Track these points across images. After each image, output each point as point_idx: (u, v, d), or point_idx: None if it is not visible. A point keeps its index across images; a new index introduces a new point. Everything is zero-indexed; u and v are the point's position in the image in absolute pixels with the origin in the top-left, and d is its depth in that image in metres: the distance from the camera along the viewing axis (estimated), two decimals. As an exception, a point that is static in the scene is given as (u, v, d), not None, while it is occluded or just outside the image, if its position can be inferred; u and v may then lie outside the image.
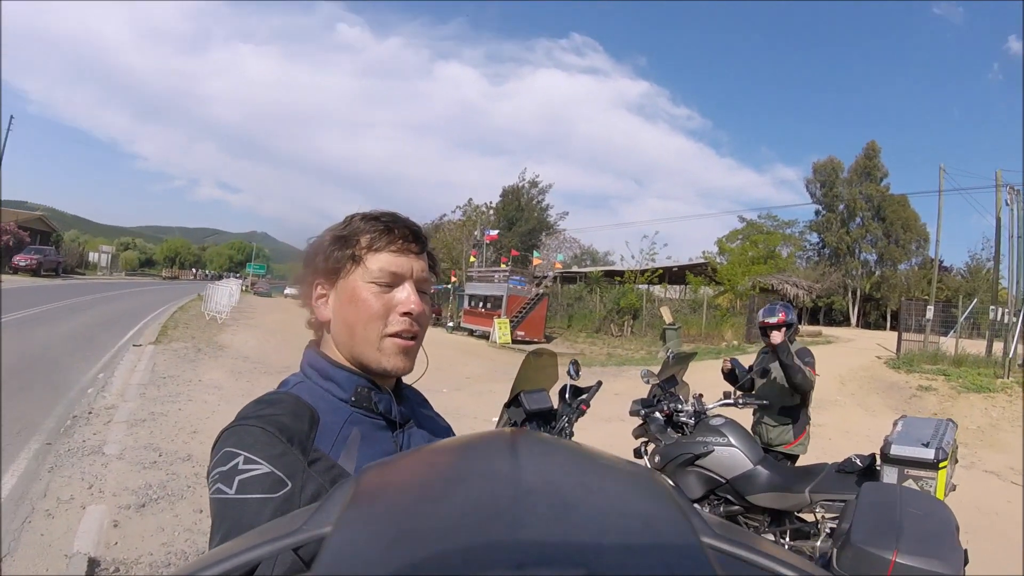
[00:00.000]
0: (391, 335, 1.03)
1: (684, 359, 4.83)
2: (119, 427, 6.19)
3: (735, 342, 22.11)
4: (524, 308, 27.00)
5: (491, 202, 49.68)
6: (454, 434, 1.22)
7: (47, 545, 3.78)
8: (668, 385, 4.37)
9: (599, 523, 0.43)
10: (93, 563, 3.53)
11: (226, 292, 20.05)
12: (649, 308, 26.87)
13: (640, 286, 28.45)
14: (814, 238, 48.51)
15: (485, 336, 26.42)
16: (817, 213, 47.94)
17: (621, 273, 30.30)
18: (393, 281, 1.04)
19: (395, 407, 1.07)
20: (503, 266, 32.53)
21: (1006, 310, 15.56)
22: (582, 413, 3.01)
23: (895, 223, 44.42)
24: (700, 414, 4.16)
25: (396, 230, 1.06)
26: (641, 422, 4.31)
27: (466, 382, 12.63)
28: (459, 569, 0.37)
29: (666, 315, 23.73)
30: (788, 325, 4.40)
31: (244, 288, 27.36)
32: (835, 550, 1.84)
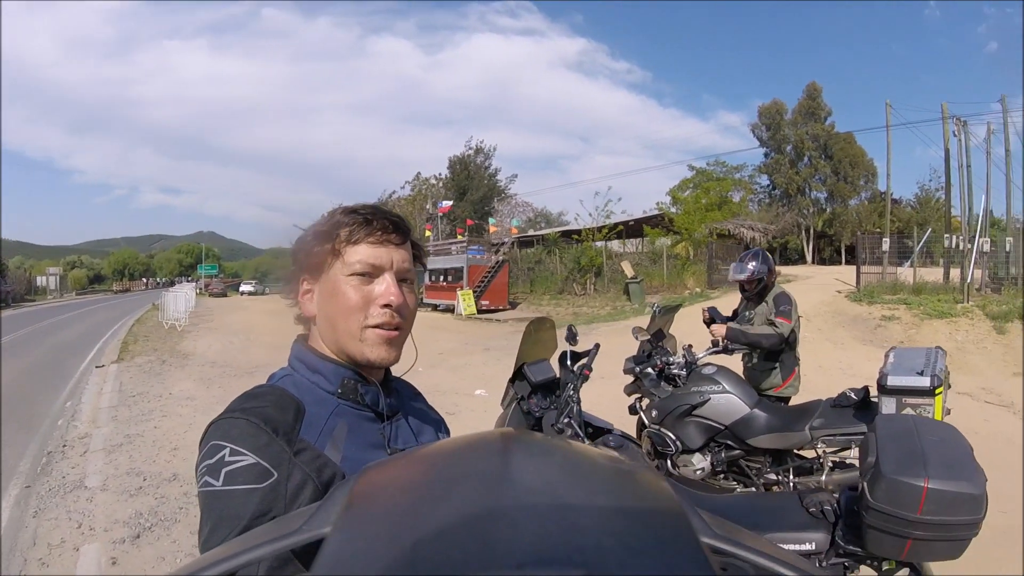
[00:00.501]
0: (372, 326, 1.04)
1: (670, 311, 4.86)
2: (97, 456, 5.95)
3: (697, 289, 22.45)
4: (485, 277, 26.93)
5: (440, 174, 49.30)
6: (445, 426, 1.27)
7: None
8: (657, 339, 4.40)
9: (599, 523, 0.43)
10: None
11: (182, 298, 19.58)
12: (610, 264, 27.00)
13: (597, 243, 28.50)
14: (764, 180, 49.30)
15: (450, 309, 26.43)
16: (766, 155, 48.66)
17: (578, 232, 30.27)
18: (373, 272, 1.04)
19: (382, 399, 1.08)
20: (459, 237, 32.37)
21: (960, 237, 16.05)
22: (586, 378, 3.00)
23: (843, 160, 45.35)
24: (691, 365, 4.20)
25: (375, 222, 1.05)
26: (632, 379, 4.35)
27: (440, 358, 12.54)
28: (458, 569, 0.37)
29: (627, 269, 24.08)
30: (759, 281, 4.45)
31: (198, 291, 26.86)
32: (865, 484, 1.88)
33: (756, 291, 4.48)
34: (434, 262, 31.03)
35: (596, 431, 2.63)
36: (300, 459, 0.90)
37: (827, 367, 8.50)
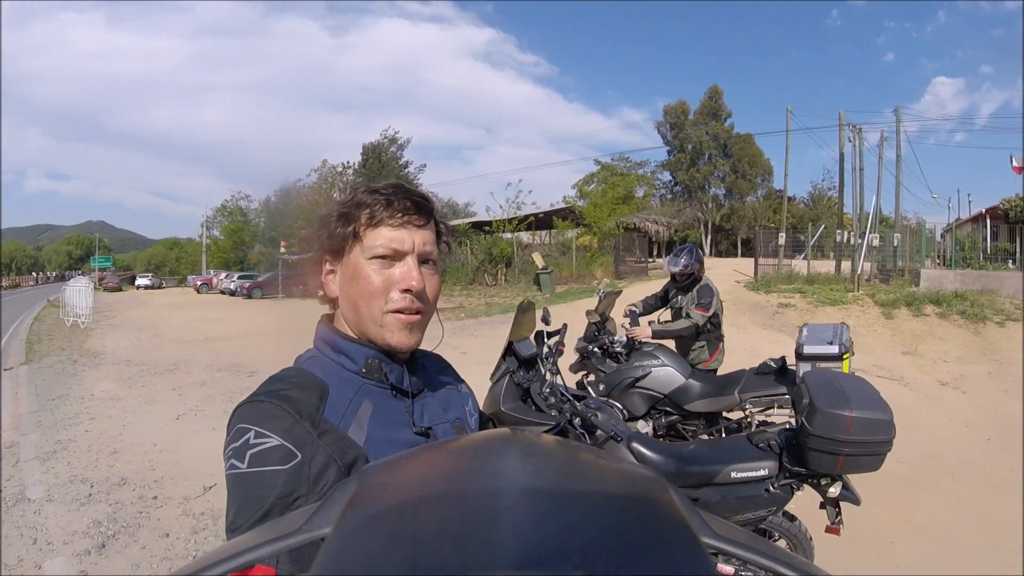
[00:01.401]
0: (392, 311, 1.03)
1: (613, 296, 5.42)
2: (31, 466, 5.67)
3: (605, 280, 23.28)
4: (395, 267, 26.56)
5: (350, 162, 48.40)
6: (474, 400, 1.27)
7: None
8: (603, 321, 4.91)
9: (598, 523, 0.43)
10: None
11: (84, 293, 18.51)
12: (520, 255, 27.35)
13: (507, 235, 28.80)
14: (666, 176, 51.30)
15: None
16: (669, 153, 50.67)
17: (489, 223, 30.52)
18: (394, 256, 1.03)
19: (407, 377, 1.07)
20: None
21: (851, 233, 17.43)
22: (560, 353, 3.43)
23: (742, 159, 48.06)
24: (632, 343, 4.71)
25: (396, 202, 1.03)
26: (578, 357, 4.84)
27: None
28: (458, 569, 0.37)
29: (538, 260, 24.45)
30: (689, 275, 5.01)
31: (94, 285, 25.42)
32: (804, 418, 2.44)
33: (686, 282, 5.05)
34: (343, 252, 30.71)
35: (575, 396, 2.94)
36: (324, 441, 0.91)
37: (732, 349, 9.06)
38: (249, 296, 33.95)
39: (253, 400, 0.94)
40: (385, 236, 1.02)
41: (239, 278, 37.95)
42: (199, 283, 42.63)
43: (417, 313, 1.05)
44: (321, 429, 0.93)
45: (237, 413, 0.93)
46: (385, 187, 1.05)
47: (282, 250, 39.10)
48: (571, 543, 0.39)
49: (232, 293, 35.76)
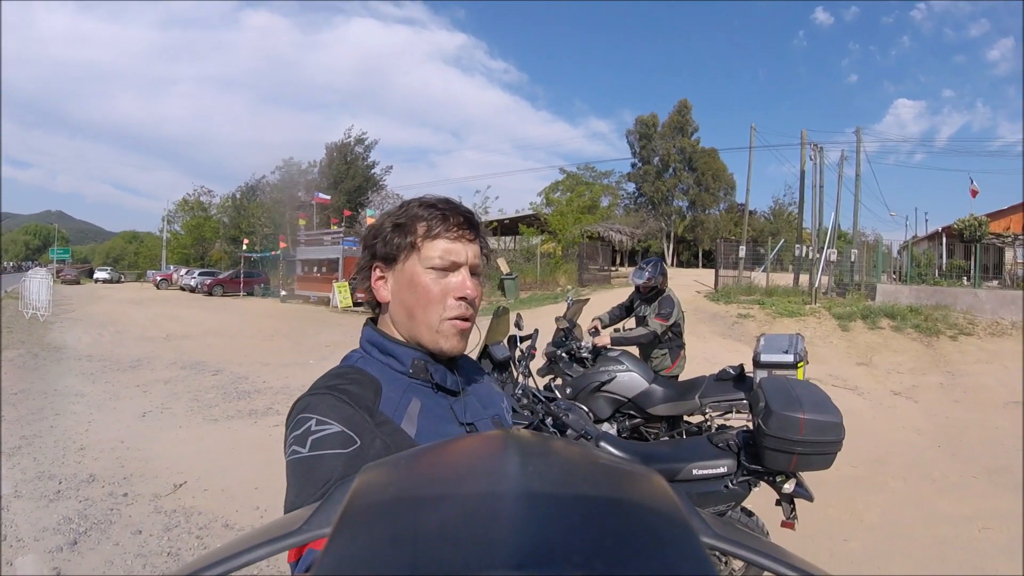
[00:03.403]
0: (450, 319, 1.10)
1: (580, 304, 5.62)
2: None
3: (568, 287, 23.53)
4: (361, 270, 26.48)
5: (315, 160, 48.00)
6: (507, 400, 1.34)
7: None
8: (571, 327, 5.12)
9: (598, 523, 0.43)
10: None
11: (44, 286, 18.06)
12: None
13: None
14: (631, 187, 52.04)
15: (324, 301, 26.03)
16: (633, 166, 51.51)
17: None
18: (449, 267, 1.09)
19: (451, 377, 1.13)
20: (334, 228, 31.80)
21: (809, 247, 17.92)
22: (532, 357, 3.58)
23: (706, 173, 48.99)
24: (598, 349, 4.89)
25: (451, 217, 1.10)
26: (547, 362, 5.02)
27: (328, 350, 12.63)
28: (459, 569, 0.37)
29: (503, 266, 24.48)
30: (652, 287, 5.26)
31: (53, 277, 24.87)
32: (760, 420, 2.61)
33: (650, 294, 5.29)
34: (306, 252, 30.55)
35: (547, 398, 3.07)
36: (381, 431, 0.96)
37: (693, 356, 9.21)
38: (210, 293, 33.46)
39: (314, 392, 1.00)
40: (442, 248, 1.09)
41: (200, 274, 37.39)
42: (159, 278, 41.77)
43: (468, 320, 1.13)
44: (378, 420, 0.98)
45: (297, 406, 0.98)
46: (439, 202, 1.13)
47: (244, 248, 38.67)
48: (571, 543, 0.40)
49: (192, 289, 35.24)
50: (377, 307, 1.20)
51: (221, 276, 36.45)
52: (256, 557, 0.48)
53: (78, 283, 46.39)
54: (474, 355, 3.60)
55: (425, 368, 1.11)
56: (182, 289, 36.74)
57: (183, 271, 41.04)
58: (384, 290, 1.15)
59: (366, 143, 48.04)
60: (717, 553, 0.50)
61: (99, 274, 53.98)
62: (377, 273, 1.16)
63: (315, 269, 29.00)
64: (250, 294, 33.99)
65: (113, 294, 30.99)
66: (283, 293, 30.74)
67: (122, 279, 55.39)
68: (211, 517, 4.52)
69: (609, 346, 4.94)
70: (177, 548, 4.04)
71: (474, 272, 1.13)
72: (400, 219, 1.12)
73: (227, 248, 47.43)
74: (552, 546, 0.39)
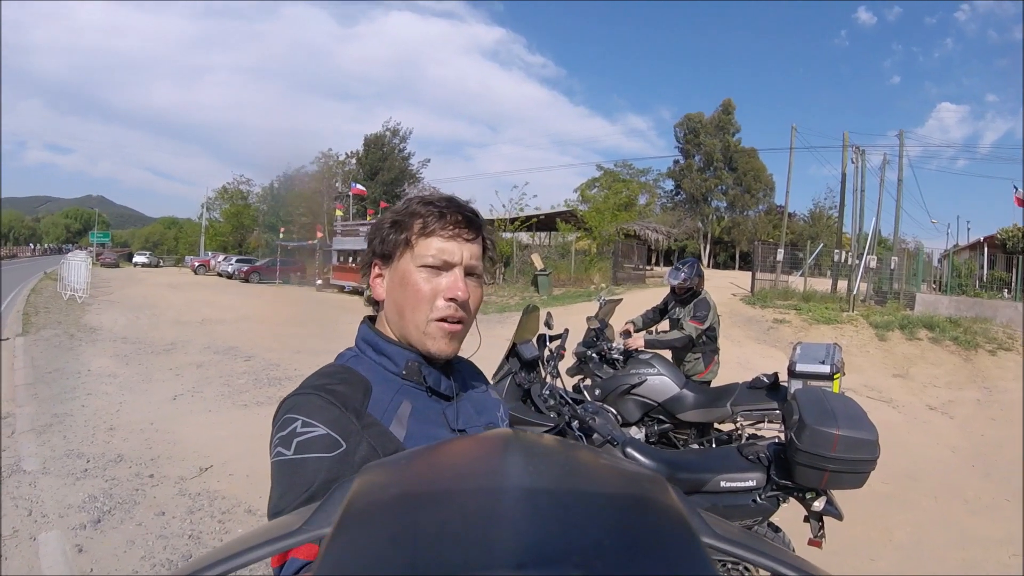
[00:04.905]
0: (437, 320, 1.05)
1: (613, 303, 5.54)
2: (27, 437, 5.70)
3: (603, 285, 23.27)
4: (396, 260, 26.63)
5: (353, 151, 48.47)
6: (504, 407, 1.29)
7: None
8: (603, 327, 5.00)
9: (599, 523, 0.43)
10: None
11: (82, 268, 18.50)
12: (519, 256, 27.35)
13: (506, 234, 28.70)
14: (669, 185, 51.47)
15: (358, 291, 26.03)
16: (675, 162, 50.91)
17: (491, 222, 30.40)
18: (443, 266, 1.06)
19: (444, 381, 1.10)
20: (371, 219, 32.02)
21: (849, 253, 17.54)
22: (561, 357, 3.51)
23: (746, 173, 48.16)
24: (630, 351, 4.79)
25: (448, 215, 1.06)
26: (576, 362, 4.93)
27: (362, 340, 12.58)
28: (459, 569, 0.37)
29: (536, 261, 24.45)
30: (688, 289, 5.10)
31: (92, 260, 25.49)
32: (792, 434, 2.50)
33: (685, 295, 5.14)
34: (342, 243, 30.75)
35: (574, 400, 3.01)
36: (368, 433, 0.94)
37: (725, 361, 9.23)
38: (247, 280, 34.00)
39: (300, 393, 0.98)
40: (436, 247, 1.06)
41: (237, 261, 38.01)
42: (196, 264, 42.59)
43: (459, 323, 1.08)
44: (365, 422, 0.96)
45: (284, 405, 0.96)
46: (439, 200, 1.09)
47: (281, 236, 39.16)
48: (571, 543, 0.40)
49: (229, 276, 35.81)
50: (377, 305, 1.17)
51: (258, 264, 37.06)
52: (256, 557, 0.47)
53: (117, 266, 47.47)
54: (477, 356, 3.54)
55: (418, 370, 1.08)
56: (219, 275, 37.35)
57: (221, 257, 41.80)
58: (380, 288, 1.13)
59: (401, 134, 48.32)
60: (733, 560, 0.50)
61: (138, 258, 55.29)
62: (375, 270, 1.14)
63: (350, 259, 29.15)
64: (286, 282, 34.43)
65: (151, 278, 31.61)
66: (319, 282, 31.11)
67: (160, 264, 56.68)
68: (234, 502, 4.57)
69: (641, 348, 4.84)
70: (199, 531, 4.09)
71: (471, 273, 1.09)
72: (399, 215, 1.10)
73: (265, 236, 48.15)
74: (552, 546, 0.39)
